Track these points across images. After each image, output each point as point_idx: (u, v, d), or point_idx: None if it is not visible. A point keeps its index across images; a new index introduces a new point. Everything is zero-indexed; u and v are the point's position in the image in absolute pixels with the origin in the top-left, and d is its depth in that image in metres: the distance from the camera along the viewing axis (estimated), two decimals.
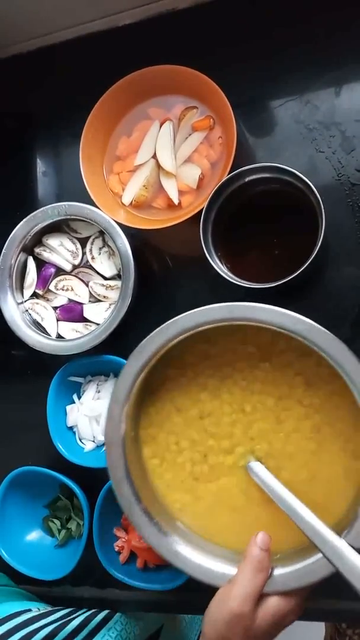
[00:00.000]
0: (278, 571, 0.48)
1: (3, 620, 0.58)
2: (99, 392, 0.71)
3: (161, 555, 0.52)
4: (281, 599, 0.47)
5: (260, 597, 0.47)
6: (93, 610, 0.66)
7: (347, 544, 0.44)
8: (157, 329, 0.52)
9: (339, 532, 0.46)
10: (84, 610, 0.66)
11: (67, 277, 0.70)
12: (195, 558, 0.51)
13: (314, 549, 0.46)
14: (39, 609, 0.64)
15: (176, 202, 0.66)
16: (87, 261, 0.70)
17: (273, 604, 0.47)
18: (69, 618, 0.62)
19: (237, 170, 0.60)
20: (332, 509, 0.50)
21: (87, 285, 0.69)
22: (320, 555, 0.46)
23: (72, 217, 0.68)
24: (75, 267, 0.70)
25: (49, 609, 0.65)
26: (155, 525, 0.52)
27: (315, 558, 0.47)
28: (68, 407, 0.71)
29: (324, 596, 0.63)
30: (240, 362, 0.54)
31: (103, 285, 0.69)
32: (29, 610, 0.62)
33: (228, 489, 0.54)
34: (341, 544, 0.44)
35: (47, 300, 0.71)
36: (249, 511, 0.54)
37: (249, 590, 0.46)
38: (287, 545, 0.51)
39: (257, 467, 0.52)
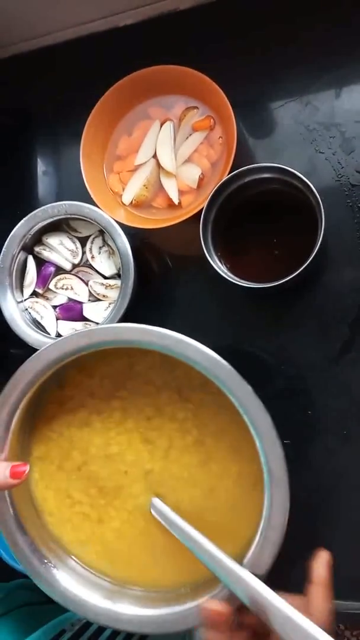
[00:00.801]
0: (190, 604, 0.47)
1: None
2: None
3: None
4: None
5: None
6: None
7: (249, 572, 0.43)
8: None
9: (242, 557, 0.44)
10: None
11: (67, 276, 0.70)
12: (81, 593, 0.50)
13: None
14: (72, 624, 0.64)
15: (176, 201, 0.66)
16: (87, 260, 0.70)
17: None
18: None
19: (237, 170, 0.60)
20: (240, 530, 0.49)
21: (86, 285, 0.69)
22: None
23: (72, 216, 0.68)
24: (75, 266, 0.71)
25: (81, 622, 0.65)
26: (45, 564, 0.51)
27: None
28: None
29: None
30: (91, 398, 0.54)
31: (103, 284, 0.69)
32: (63, 631, 0.62)
33: (130, 530, 0.53)
34: (243, 573, 0.42)
35: (47, 299, 0.71)
36: (155, 545, 0.53)
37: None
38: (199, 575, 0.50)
39: (157, 503, 0.51)
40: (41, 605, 0.69)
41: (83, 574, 0.53)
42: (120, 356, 0.52)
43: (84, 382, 0.54)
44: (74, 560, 0.54)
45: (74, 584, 0.51)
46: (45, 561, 0.51)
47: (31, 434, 0.56)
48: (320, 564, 0.45)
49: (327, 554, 0.45)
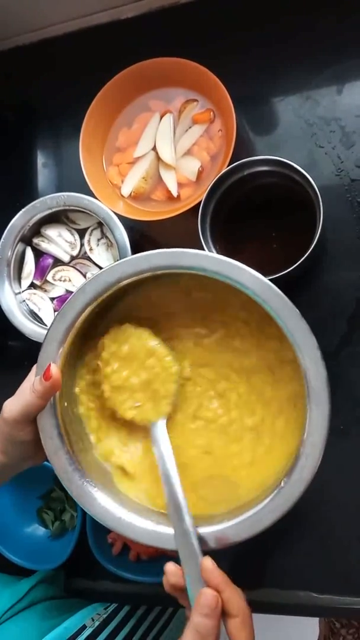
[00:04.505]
0: (225, 524, 0.48)
1: None
2: None
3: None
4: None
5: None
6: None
7: (196, 536, 0.46)
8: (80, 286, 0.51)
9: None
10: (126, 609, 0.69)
11: (65, 268, 0.70)
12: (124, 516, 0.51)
13: (251, 504, 0.47)
14: (92, 619, 0.65)
15: (175, 194, 0.66)
16: (85, 252, 0.70)
17: None
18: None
19: (236, 163, 0.60)
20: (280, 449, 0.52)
21: (84, 277, 0.69)
22: (263, 504, 0.46)
23: (71, 207, 0.68)
24: (73, 258, 0.70)
25: (101, 617, 0.66)
26: (91, 485, 0.51)
27: (257, 509, 0.47)
28: None
29: (319, 592, 0.63)
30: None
31: None
32: (84, 627, 0.63)
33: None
34: (189, 530, 0.46)
35: (45, 290, 0.71)
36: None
37: None
38: (222, 507, 0.51)
39: (159, 429, 0.52)
40: (61, 599, 0.70)
41: (123, 499, 0.53)
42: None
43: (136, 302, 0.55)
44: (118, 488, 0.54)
45: (113, 505, 0.51)
46: (87, 480, 0.51)
47: (81, 352, 0.56)
48: (208, 572, 0.45)
49: (208, 559, 0.46)
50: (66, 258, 0.70)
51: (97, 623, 0.64)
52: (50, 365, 0.49)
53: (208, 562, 0.45)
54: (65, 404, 0.53)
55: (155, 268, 0.50)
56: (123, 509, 0.51)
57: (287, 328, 0.47)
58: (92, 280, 0.50)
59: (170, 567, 0.46)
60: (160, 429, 0.53)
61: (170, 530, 0.48)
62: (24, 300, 0.70)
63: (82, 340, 0.54)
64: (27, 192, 0.76)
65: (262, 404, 0.54)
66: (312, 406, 0.46)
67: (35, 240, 0.70)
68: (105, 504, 0.50)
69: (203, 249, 0.61)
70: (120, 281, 0.50)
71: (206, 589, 0.43)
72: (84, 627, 0.63)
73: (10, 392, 0.77)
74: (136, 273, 0.50)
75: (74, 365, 0.55)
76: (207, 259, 0.49)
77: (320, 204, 0.57)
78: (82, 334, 0.53)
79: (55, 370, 0.49)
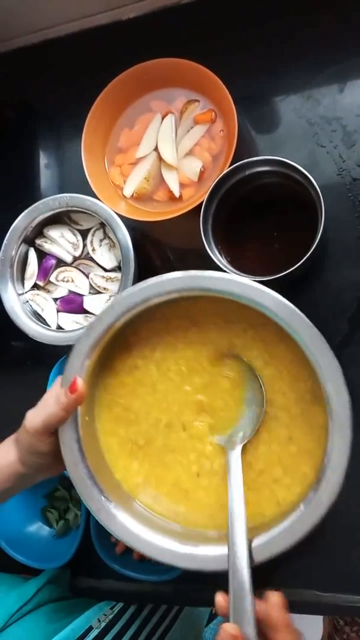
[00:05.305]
0: (265, 537, 0.48)
1: None
2: None
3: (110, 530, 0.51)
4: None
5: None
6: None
7: (247, 557, 0.46)
8: (109, 303, 0.52)
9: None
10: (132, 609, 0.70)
11: (68, 268, 0.70)
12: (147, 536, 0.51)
13: (288, 513, 0.48)
14: (99, 620, 0.65)
15: (177, 194, 0.66)
16: (88, 253, 0.70)
17: None
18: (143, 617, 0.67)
19: (238, 163, 0.60)
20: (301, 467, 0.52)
21: (87, 277, 0.70)
22: (297, 514, 0.47)
23: (73, 208, 0.68)
24: (75, 258, 0.71)
25: (107, 618, 0.67)
26: (108, 501, 0.52)
27: (292, 519, 0.48)
28: None
29: (323, 591, 0.63)
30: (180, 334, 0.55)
31: (103, 277, 0.69)
32: (90, 628, 0.64)
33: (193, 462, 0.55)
34: (242, 554, 0.46)
35: (48, 291, 0.71)
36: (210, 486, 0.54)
37: None
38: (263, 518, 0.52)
39: (234, 454, 0.52)
40: (67, 600, 0.70)
41: (144, 515, 0.54)
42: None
43: (154, 325, 0.56)
44: (138, 504, 0.55)
45: (133, 522, 0.52)
46: (105, 497, 0.52)
47: (101, 375, 0.57)
48: (275, 608, 0.46)
49: (278, 596, 0.46)
50: (69, 259, 0.70)
51: (103, 624, 0.65)
52: (76, 378, 0.51)
53: (276, 598, 0.45)
54: (87, 418, 0.54)
55: (182, 290, 0.51)
56: (142, 525, 0.51)
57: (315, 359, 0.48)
58: (121, 299, 0.52)
59: (220, 600, 0.46)
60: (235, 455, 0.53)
61: (194, 550, 0.49)
62: (27, 301, 0.71)
63: (107, 355, 0.55)
64: (29, 193, 0.77)
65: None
66: (334, 431, 0.46)
67: (38, 241, 0.71)
68: (124, 521, 0.51)
69: (205, 249, 0.61)
70: (146, 301, 0.51)
71: (226, 624, 0.43)
72: (90, 629, 0.63)
73: (13, 392, 0.78)
74: (162, 294, 0.51)
75: (95, 381, 0.56)
76: (236, 284, 0.50)
77: (322, 203, 0.57)
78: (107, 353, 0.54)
79: (81, 383, 0.51)
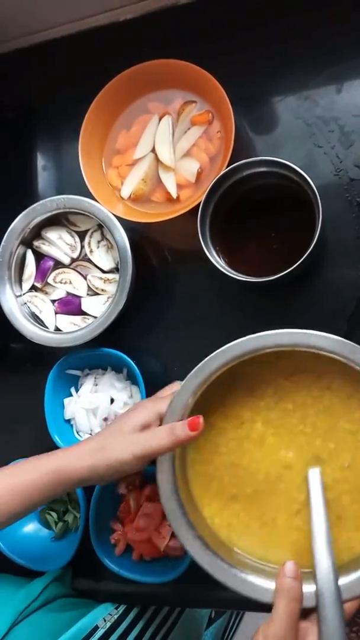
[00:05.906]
0: (343, 580, 0.48)
1: None
2: (96, 385, 0.71)
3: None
4: None
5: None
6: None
7: (338, 590, 0.45)
8: (222, 349, 0.53)
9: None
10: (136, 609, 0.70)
11: (66, 270, 0.70)
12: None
13: None
14: (104, 619, 0.66)
15: (174, 195, 0.66)
16: (86, 254, 0.70)
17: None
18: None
19: (235, 164, 0.60)
20: None
21: (85, 279, 0.70)
22: None
23: (71, 210, 0.68)
24: (73, 260, 0.71)
25: (112, 619, 0.67)
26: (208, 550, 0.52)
27: None
28: (66, 400, 0.72)
29: None
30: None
31: (101, 278, 0.69)
32: (96, 628, 0.64)
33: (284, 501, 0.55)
34: (331, 586, 0.45)
35: (46, 293, 0.71)
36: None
37: (286, 625, 0.45)
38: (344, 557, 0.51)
39: (314, 476, 0.52)
40: (73, 597, 0.71)
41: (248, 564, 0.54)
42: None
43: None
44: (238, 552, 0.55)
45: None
46: (211, 552, 0.52)
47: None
48: (282, 574, 0.47)
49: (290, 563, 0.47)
50: (67, 260, 0.70)
51: (108, 624, 0.65)
52: (199, 417, 0.51)
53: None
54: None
55: (294, 345, 0.52)
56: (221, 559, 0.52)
57: None
58: (234, 345, 0.52)
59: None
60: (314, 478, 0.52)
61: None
62: (25, 303, 0.70)
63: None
64: (27, 195, 0.77)
65: None
66: None
67: (36, 243, 0.71)
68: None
69: (203, 250, 0.61)
70: (259, 350, 0.52)
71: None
72: (96, 628, 0.64)
73: (12, 394, 0.78)
74: (276, 346, 0.52)
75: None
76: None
77: (319, 203, 0.57)
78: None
79: (202, 422, 0.51)
